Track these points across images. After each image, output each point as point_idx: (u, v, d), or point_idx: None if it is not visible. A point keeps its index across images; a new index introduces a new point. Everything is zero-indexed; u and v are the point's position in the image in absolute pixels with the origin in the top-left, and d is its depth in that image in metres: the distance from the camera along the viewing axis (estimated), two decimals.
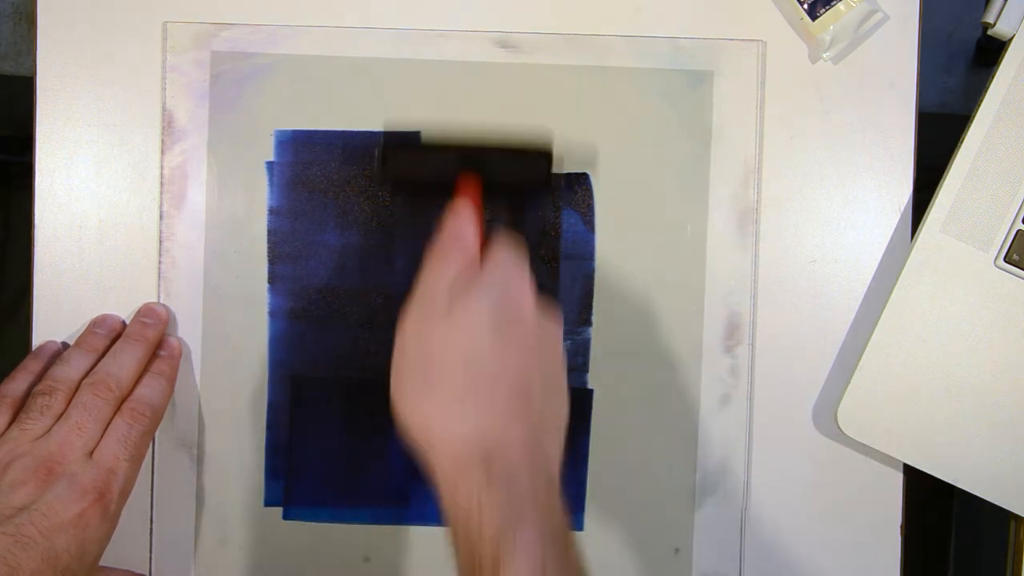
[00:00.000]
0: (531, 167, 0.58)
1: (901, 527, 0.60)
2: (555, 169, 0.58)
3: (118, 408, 0.56)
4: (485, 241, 0.54)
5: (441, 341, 0.50)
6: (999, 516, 0.60)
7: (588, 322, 0.60)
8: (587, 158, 0.60)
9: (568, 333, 0.60)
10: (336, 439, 0.61)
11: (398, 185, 0.59)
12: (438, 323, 0.50)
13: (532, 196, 0.60)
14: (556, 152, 0.58)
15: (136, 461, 0.56)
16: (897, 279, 0.58)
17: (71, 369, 0.57)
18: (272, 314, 0.60)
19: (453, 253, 0.52)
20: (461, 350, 0.49)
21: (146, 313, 0.60)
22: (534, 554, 0.46)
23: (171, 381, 0.59)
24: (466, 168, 0.56)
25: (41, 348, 0.59)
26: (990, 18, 0.58)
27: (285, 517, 0.61)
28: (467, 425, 0.49)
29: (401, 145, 0.59)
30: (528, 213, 0.60)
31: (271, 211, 0.60)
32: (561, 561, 0.47)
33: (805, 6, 0.59)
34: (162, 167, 0.60)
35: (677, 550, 0.60)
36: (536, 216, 0.60)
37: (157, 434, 0.60)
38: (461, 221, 0.53)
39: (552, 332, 0.53)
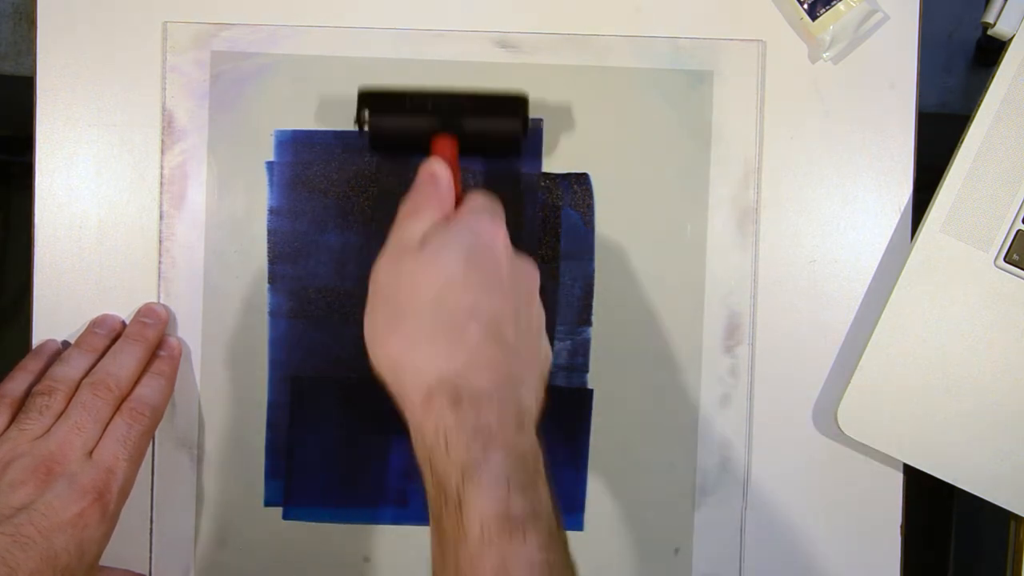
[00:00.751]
0: (506, 118, 0.57)
1: (901, 527, 0.60)
2: (529, 125, 0.58)
3: (118, 408, 0.56)
4: (460, 198, 0.54)
5: (411, 278, 0.50)
6: (999, 516, 0.60)
7: (588, 322, 0.60)
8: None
9: (568, 333, 0.60)
10: (336, 439, 0.61)
11: (377, 142, 0.58)
12: (409, 262, 0.50)
13: (506, 152, 0.59)
14: (530, 104, 0.58)
15: (135, 461, 0.56)
16: (897, 279, 0.58)
17: (71, 369, 0.57)
18: (272, 314, 0.60)
19: (426, 200, 0.52)
20: (431, 286, 0.49)
21: (146, 313, 0.60)
22: (498, 481, 0.46)
23: (171, 381, 0.59)
24: (442, 123, 0.56)
25: (41, 347, 0.59)
26: (990, 18, 0.58)
27: (285, 517, 0.61)
28: (435, 359, 0.49)
29: (377, 96, 0.58)
30: (527, 209, 0.60)
31: (271, 211, 0.60)
32: (528, 492, 0.46)
33: (805, 6, 0.59)
34: (162, 167, 0.60)
35: (677, 550, 0.60)
36: (536, 216, 0.60)
37: (157, 434, 0.60)
38: (434, 172, 0.53)
39: (527, 276, 0.53)
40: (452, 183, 0.53)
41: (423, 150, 0.55)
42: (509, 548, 0.45)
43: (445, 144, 0.56)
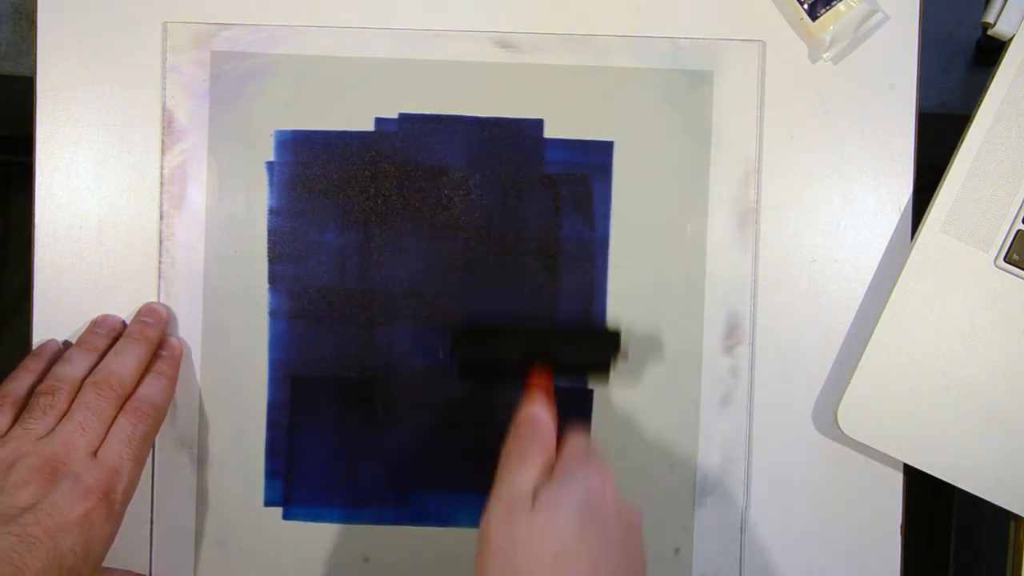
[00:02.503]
0: (600, 350, 0.58)
1: (901, 527, 0.60)
2: (620, 357, 0.58)
3: (121, 407, 0.56)
4: (559, 432, 0.54)
5: (527, 539, 0.49)
6: (999, 516, 0.60)
7: (588, 322, 0.60)
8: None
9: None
10: (336, 439, 0.61)
11: (465, 368, 0.59)
12: (523, 521, 0.49)
13: (596, 379, 0.60)
14: (623, 338, 0.59)
15: (140, 460, 0.56)
16: (897, 279, 0.58)
17: (73, 368, 0.57)
18: (272, 314, 0.60)
19: (532, 446, 0.52)
20: (548, 548, 0.48)
21: (147, 313, 0.60)
22: None
23: (173, 381, 0.59)
24: (535, 352, 0.57)
25: (42, 347, 0.59)
26: (990, 18, 0.58)
27: (285, 517, 0.61)
28: None
29: (470, 330, 0.59)
30: (528, 210, 0.60)
31: (271, 211, 0.60)
32: None
33: (805, 6, 0.59)
34: (162, 167, 0.60)
35: (677, 550, 0.60)
36: (536, 216, 0.60)
37: (157, 434, 0.60)
38: (537, 416, 0.53)
39: (634, 525, 0.52)
40: (553, 424, 0.53)
41: (514, 379, 0.56)
42: None
43: (541, 377, 0.56)
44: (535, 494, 0.50)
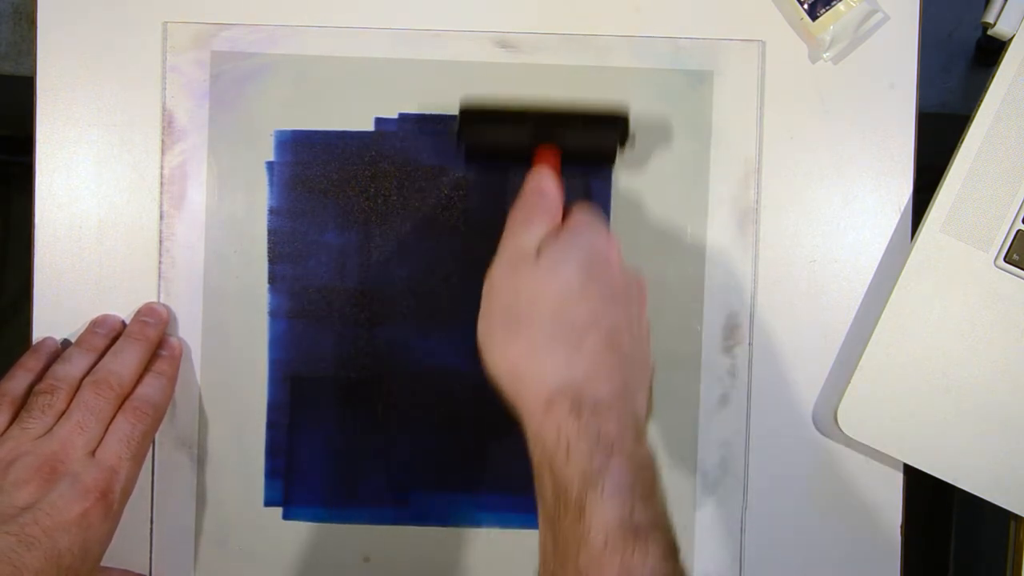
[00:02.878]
0: (606, 134, 0.57)
1: (901, 527, 0.60)
2: (628, 141, 0.57)
3: (120, 407, 0.56)
4: (565, 208, 0.54)
5: (530, 288, 0.50)
6: (999, 516, 0.60)
7: None
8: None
9: None
10: (336, 439, 0.61)
11: (473, 153, 0.58)
12: (527, 272, 0.50)
13: (602, 165, 0.60)
14: (631, 122, 0.58)
15: (138, 460, 0.56)
16: (897, 279, 0.58)
17: (72, 368, 0.57)
18: (272, 314, 0.60)
19: (538, 210, 0.52)
20: (551, 296, 0.50)
21: (147, 313, 0.60)
22: (621, 490, 0.46)
23: (172, 381, 0.59)
24: (542, 136, 0.56)
25: (39, 345, 0.59)
26: (990, 18, 0.58)
27: (285, 517, 0.61)
28: (557, 367, 0.49)
29: (478, 111, 0.58)
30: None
31: (271, 211, 0.60)
32: (649, 502, 0.47)
33: (805, 6, 0.59)
34: (162, 167, 0.60)
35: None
36: None
37: (157, 434, 0.60)
38: (544, 181, 0.53)
39: (637, 287, 0.54)
40: (559, 194, 0.54)
41: (521, 162, 0.56)
42: (632, 558, 0.45)
43: (549, 155, 0.55)
44: (539, 250, 0.51)
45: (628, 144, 0.57)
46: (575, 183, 0.59)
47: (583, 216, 0.53)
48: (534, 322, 0.50)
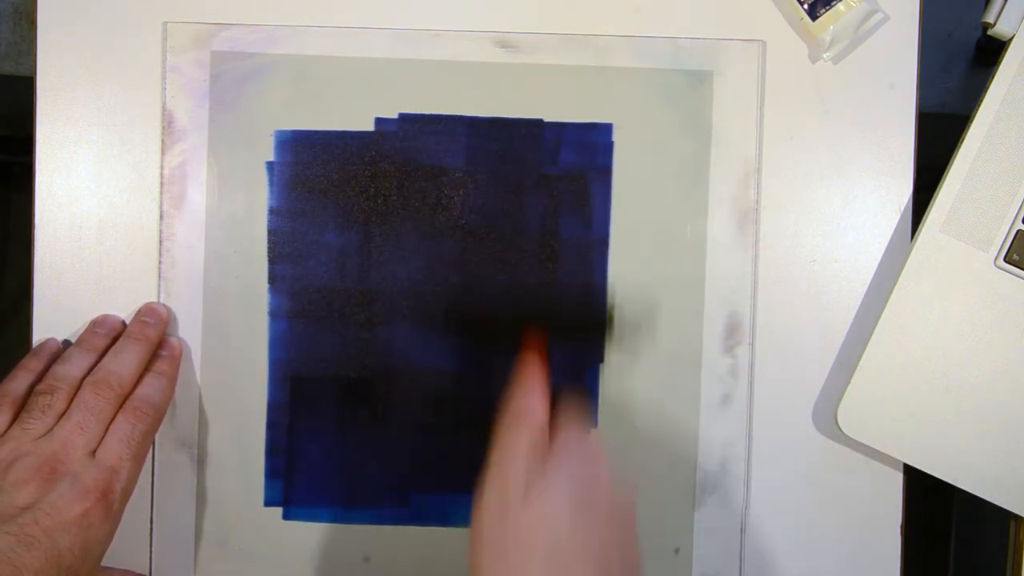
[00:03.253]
0: (592, 339, 0.59)
1: (901, 527, 0.60)
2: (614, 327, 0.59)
3: (120, 407, 0.56)
4: (553, 398, 0.53)
5: (518, 530, 0.49)
6: (999, 516, 0.60)
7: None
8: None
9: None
10: (336, 439, 0.61)
11: (459, 328, 0.60)
12: (515, 511, 0.49)
13: (590, 339, 0.60)
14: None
15: (138, 460, 0.56)
16: (897, 279, 0.58)
17: (72, 368, 0.57)
18: (272, 314, 0.60)
19: (524, 430, 0.51)
20: (541, 540, 0.48)
21: (147, 313, 0.60)
22: None
23: (172, 381, 0.59)
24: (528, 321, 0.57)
25: (41, 346, 0.59)
26: (990, 18, 0.58)
27: (285, 517, 0.61)
28: None
29: (463, 302, 0.60)
30: (527, 210, 0.60)
31: (271, 211, 0.60)
32: None
33: (805, 6, 0.59)
34: (162, 167, 0.60)
35: (677, 550, 0.60)
36: (536, 216, 0.60)
37: (157, 434, 0.60)
38: (528, 392, 0.52)
39: (627, 511, 0.52)
40: (546, 414, 0.52)
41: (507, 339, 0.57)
42: None
43: (534, 341, 0.56)
44: (527, 486, 0.50)
45: (618, 339, 0.59)
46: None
47: (570, 438, 0.52)
48: (524, 568, 0.48)
